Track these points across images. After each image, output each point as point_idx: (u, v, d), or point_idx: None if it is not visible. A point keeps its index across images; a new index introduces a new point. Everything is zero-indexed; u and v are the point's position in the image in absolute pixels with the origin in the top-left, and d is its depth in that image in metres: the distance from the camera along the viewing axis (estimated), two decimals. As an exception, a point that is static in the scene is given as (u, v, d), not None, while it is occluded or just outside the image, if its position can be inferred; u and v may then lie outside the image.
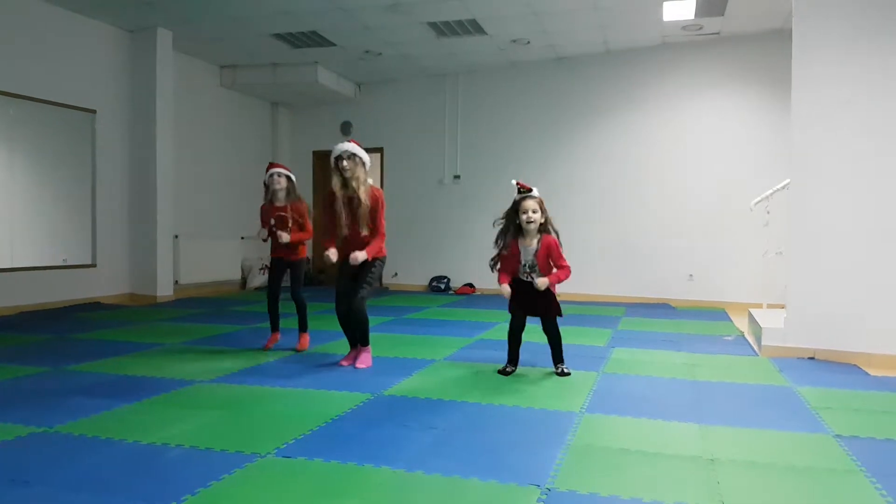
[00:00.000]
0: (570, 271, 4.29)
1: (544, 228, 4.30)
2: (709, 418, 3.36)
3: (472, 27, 8.03)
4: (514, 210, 4.31)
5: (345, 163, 4.40)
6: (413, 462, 2.68)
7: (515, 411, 3.49)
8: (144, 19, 7.94)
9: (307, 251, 5.29)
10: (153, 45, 8.23)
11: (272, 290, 5.21)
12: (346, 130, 10.89)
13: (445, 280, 10.17)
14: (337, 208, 4.47)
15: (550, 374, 4.35)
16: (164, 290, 8.41)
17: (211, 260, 9.48)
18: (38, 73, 7.23)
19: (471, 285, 10.01)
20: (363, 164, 4.47)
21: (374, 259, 4.50)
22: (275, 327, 5.26)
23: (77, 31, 7.68)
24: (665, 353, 5.19)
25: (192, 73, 9.33)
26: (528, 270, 4.28)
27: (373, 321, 6.63)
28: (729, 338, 5.96)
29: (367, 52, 9.01)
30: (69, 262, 7.66)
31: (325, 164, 11.38)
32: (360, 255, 4.37)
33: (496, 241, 4.39)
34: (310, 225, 5.19)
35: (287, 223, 5.05)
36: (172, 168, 8.61)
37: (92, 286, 7.90)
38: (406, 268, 10.45)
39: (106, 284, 8.07)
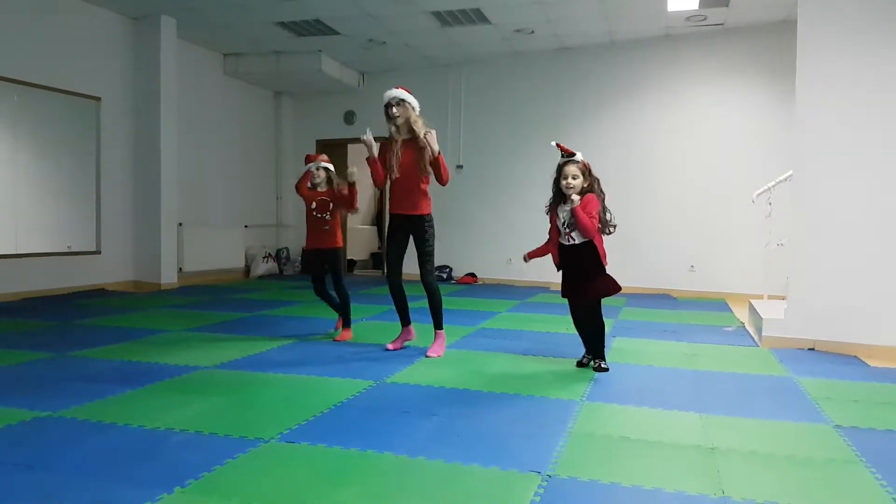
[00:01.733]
0: (595, 227, 4.04)
1: (589, 191, 4.11)
2: (709, 408, 3.38)
3: (476, 16, 8.01)
4: (558, 174, 4.13)
5: (394, 109, 4.44)
6: (415, 448, 2.70)
7: (517, 399, 3.51)
8: (148, 6, 7.94)
9: (342, 241, 5.28)
10: (157, 32, 8.23)
11: (317, 284, 5.22)
12: (349, 120, 10.90)
13: (448, 270, 10.19)
14: (393, 151, 4.47)
15: (552, 362, 4.35)
16: (168, 278, 8.44)
17: (215, 248, 9.50)
18: (42, 60, 7.23)
19: (473, 275, 10.03)
20: (413, 108, 4.50)
21: (426, 225, 4.53)
22: (347, 321, 5.23)
23: (81, 17, 7.68)
24: (666, 342, 5.21)
25: (196, 61, 9.33)
26: (567, 230, 4.10)
27: (374, 310, 6.67)
28: (730, 328, 5.97)
29: (370, 41, 8.99)
30: (74, 249, 7.69)
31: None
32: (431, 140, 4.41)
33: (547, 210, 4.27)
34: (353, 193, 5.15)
35: (328, 207, 5.12)
36: (176, 156, 8.62)
37: (96, 273, 7.93)
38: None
39: (110, 271, 8.11)
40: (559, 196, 4.14)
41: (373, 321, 6.04)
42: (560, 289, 4.27)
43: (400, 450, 2.68)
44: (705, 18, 8.19)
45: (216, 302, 7.21)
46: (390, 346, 4.70)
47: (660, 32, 8.77)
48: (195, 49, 9.30)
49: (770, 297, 6.39)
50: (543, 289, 8.91)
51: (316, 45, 9.19)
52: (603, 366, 4.13)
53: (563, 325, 5.90)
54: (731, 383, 3.96)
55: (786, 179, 5.91)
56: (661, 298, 8.33)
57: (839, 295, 4.93)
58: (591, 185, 4.13)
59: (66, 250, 7.61)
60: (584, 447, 2.78)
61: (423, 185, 4.53)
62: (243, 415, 3.17)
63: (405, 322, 4.77)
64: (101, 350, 4.57)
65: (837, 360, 4.67)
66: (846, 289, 4.91)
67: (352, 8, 7.76)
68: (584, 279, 4.14)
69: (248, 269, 10.29)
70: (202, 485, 2.33)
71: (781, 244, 5.84)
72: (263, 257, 10.25)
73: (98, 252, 7.96)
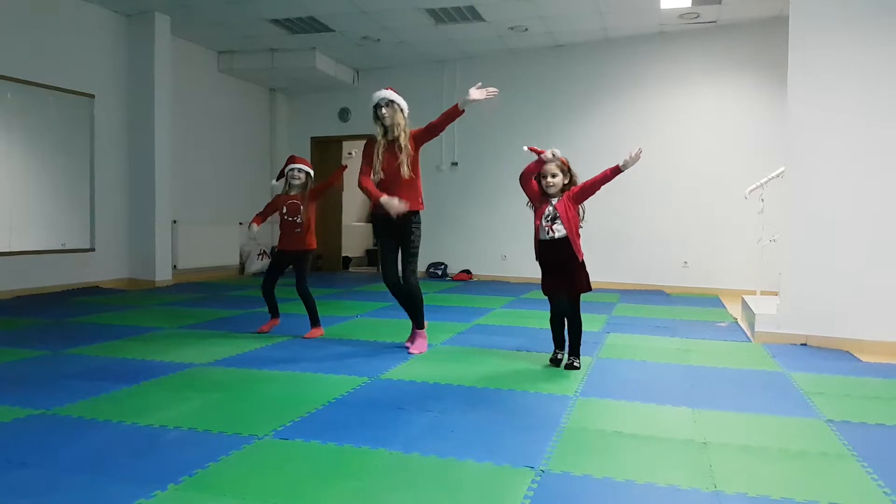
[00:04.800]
0: (605, 176, 4.08)
1: (570, 186, 4.15)
2: (702, 403, 3.40)
3: (470, 13, 8.01)
4: (539, 175, 4.14)
5: (384, 110, 4.44)
6: (409, 444, 2.71)
7: (511, 395, 3.52)
8: (142, 3, 7.91)
9: (315, 243, 5.24)
10: (151, 29, 8.21)
11: (268, 281, 5.21)
12: (343, 117, 10.89)
13: (443, 266, 10.20)
14: (376, 151, 4.47)
15: (545, 358, 4.35)
16: (163, 275, 8.43)
17: (209, 245, 9.49)
18: (35, 57, 7.21)
19: (468, 272, 10.04)
20: (402, 110, 4.50)
21: (413, 225, 4.52)
22: (274, 312, 5.27)
23: (75, 15, 7.65)
24: (659, 338, 5.23)
25: (190, 59, 9.31)
26: (549, 223, 4.05)
27: (369, 307, 6.67)
28: (723, 324, 6.00)
29: (364, 38, 8.99)
30: (68, 247, 7.67)
31: (323, 151, 11.43)
32: (399, 207, 4.32)
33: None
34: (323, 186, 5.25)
35: (299, 210, 5.08)
36: (170, 153, 8.61)
37: (90, 271, 7.91)
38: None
39: (104, 269, 8.09)
40: (543, 194, 4.15)
41: (367, 318, 6.04)
42: (541, 285, 4.28)
43: (394, 445, 2.69)
44: (698, 16, 8.21)
45: (211, 299, 7.21)
46: (412, 350, 4.61)
47: (653, 30, 8.79)
48: (189, 46, 9.27)
49: (763, 293, 6.42)
50: (538, 285, 8.91)
51: (310, 42, 9.17)
52: (577, 364, 4.14)
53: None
54: (724, 378, 3.98)
55: (778, 175, 5.93)
56: (655, 295, 8.35)
57: (831, 290, 4.95)
58: (572, 182, 4.17)
59: (61, 248, 7.59)
60: (578, 442, 2.79)
61: (409, 183, 4.48)
62: (238, 411, 3.17)
63: (420, 324, 4.70)
64: (96, 347, 4.57)
65: (830, 355, 4.69)
66: (838, 284, 4.93)
67: (346, 5, 7.75)
68: (566, 273, 4.11)
69: (242, 267, 10.28)
70: (196, 481, 2.33)
71: (774, 240, 5.87)
72: (258, 254, 10.23)
73: (92, 249, 7.94)
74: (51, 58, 7.38)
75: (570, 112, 9.51)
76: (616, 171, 4.10)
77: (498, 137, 9.87)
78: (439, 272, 10.16)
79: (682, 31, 8.79)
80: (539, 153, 4.14)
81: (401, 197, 4.39)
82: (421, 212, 4.60)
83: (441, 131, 4.57)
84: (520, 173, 4.21)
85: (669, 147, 9.00)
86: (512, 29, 8.67)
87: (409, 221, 4.51)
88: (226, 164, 10.05)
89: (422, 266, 10.36)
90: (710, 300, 7.83)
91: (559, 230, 4.05)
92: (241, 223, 10.15)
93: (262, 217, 5.20)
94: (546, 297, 4.31)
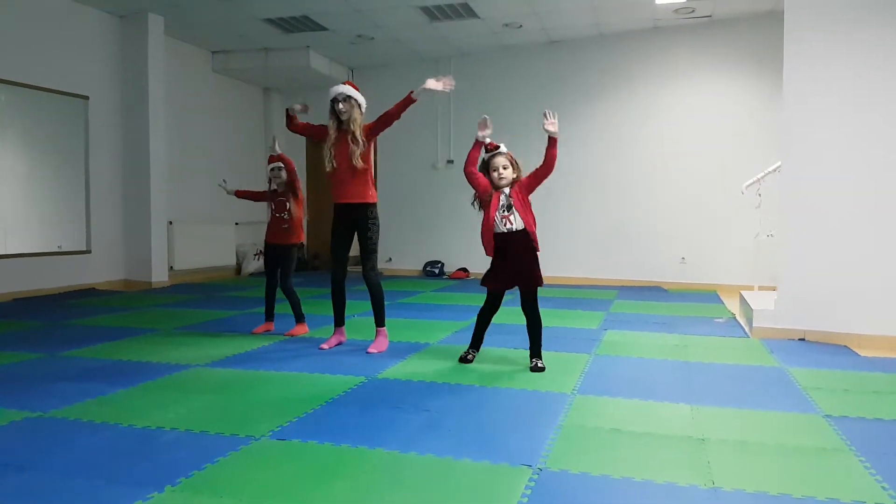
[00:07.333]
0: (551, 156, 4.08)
1: (518, 180, 4.13)
2: (700, 399, 3.39)
3: (465, 10, 8.00)
4: (486, 169, 4.15)
5: (341, 105, 4.48)
6: (406, 443, 2.71)
7: (508, 393, 3.52)
8: (135, 4, 7.89)
9: (304, 236, 5.33)
10: (144, 30, 8.19)
11: (270, 278, 5.27)
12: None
13: (439, 265, 10.19)
14: (327, 143, 4.50)
15: (543, 355, 4.34)
16: (159, 276, 8.41)
17: (205, 246, 9.47)
18: (29, 59, 7.19)
19: (464, 270, 10.02)
20: (359, 105, 4.55)
21: (370, 220, 4.51)
22: (269, 316, 5.28)
23: (68, 16, 7.63)
24: (657, 335, 5.22)
25: (184, 59, 9.29)
26: (505, 213, 4.02)
27: (365, 306, 6.63)
28: (720, 320, 5.99)
29: (358, 36, 8.97)
30: (64, 249, 7.65)
31: (317, 150, 11.40)
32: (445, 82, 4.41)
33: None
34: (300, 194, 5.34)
35: (285, 207, 5.21)
36: (166, 153, 8.59)
37: (87, 272, 7.90)
38: (400, 252, 10.46)
39: (101, 270, 8.08)
40: (493, 186, 4.15)
41: (364, 318, 6.01)
42: (484, 278, 4.22)
43: (391, 445, 2.69)
44: (693, 10, 8.20)
45: (207, 300, 7.19)
46: (325, 346, 4.65)
47: (648, 25, 8.78)
48: (183, 46, 9.25)
49: (761, 288, 6.42)
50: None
51: (304, 41, 9.15)
52: (540, 365, 4.02)
53: (554, 319, 5.92)
54: (722, 374, 3.98)
55: (775, 170, 5.93)
56: (653, 291, 8.35)
57: (829, 285, 4.95)
58: (519, 176, 4.16)
59: (56, 250, 7.57)
60: (575, 440, 2.79)
61: (361, 174, 4.49)
62: (234, 412, 3.16)
63: (339, 323, 4.74)
64: (92, 350, 4.56)
65: (828, 349, 4.69)
66: (836, 279, 4.93)
67: (339, 3, 7.73)
68: (521, 268, 4.07)
69: (239, 267, 10.26)
70: (193, 483, 2.32)
71: (771, 235, 5.87)
72: (254, 255, 10.22)
73: (88, 251, 7.93)
74: (44, 60, 7.36)
75: (564, 108, 9.47)
76: (553, 143, 4.11)
77: (493, 135, 9.80)
78: (436, 270, 10.15)
79: (677, 27, 8.78)
80: (493, 146, 4.21)
81: (352, 189, 4.47)
82: (376, 205, 4.63)
83: (395, 119, 4.55)
84: (464, 165, 4.24)
85: (665, 143, 9.00)
86: (506, 26, 8.66)
87: (366, 215, 4.52)
88: (221, 164, 10.01)
89: (418, 264, 10.36)
90: (708, 296, 7.82)
91: (517, 221, 4.02)
92: (237, 223, 10.13)
93: (243, 191, 5.59)
94: (491, 292, 4.27)
